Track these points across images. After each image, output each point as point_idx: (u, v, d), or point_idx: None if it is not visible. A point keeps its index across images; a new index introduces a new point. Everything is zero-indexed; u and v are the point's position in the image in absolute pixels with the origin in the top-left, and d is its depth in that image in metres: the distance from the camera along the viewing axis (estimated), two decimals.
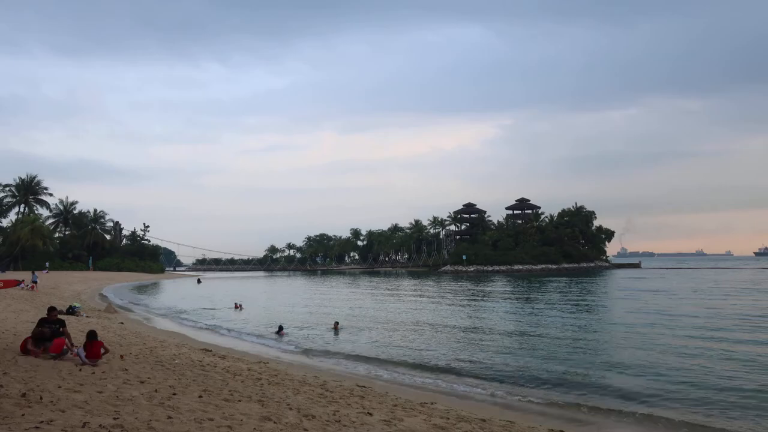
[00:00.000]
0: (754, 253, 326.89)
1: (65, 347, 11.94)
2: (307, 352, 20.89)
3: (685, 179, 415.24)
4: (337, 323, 26.97)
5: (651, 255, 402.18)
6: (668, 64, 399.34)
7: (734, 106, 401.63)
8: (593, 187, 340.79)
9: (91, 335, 12.09)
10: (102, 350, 11.89)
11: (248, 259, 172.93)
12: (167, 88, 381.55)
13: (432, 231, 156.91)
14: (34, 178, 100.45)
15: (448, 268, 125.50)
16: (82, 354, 11.48)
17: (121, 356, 13.34)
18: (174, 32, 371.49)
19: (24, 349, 11.88)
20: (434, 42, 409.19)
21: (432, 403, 11.68)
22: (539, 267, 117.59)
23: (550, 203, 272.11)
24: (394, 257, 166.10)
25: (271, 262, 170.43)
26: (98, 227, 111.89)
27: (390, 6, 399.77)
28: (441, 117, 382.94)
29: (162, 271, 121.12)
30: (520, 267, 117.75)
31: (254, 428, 7.58)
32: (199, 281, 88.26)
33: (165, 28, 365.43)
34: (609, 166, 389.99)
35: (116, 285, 69.13)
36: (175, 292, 63.70)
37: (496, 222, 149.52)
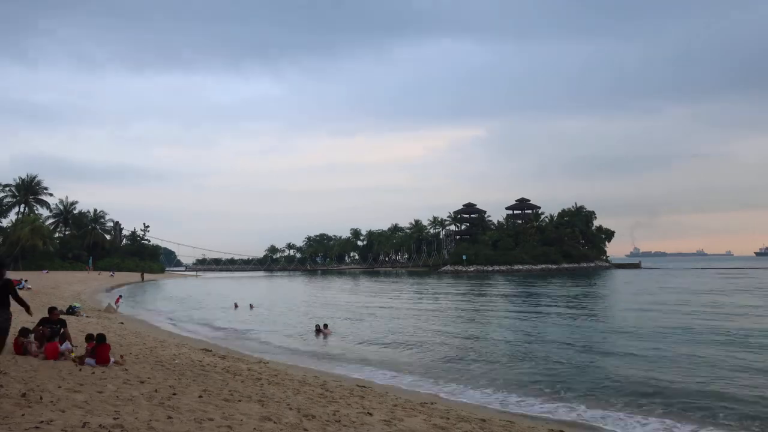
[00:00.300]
0: (755, 253, 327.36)
1: (61, 349, 11.88)
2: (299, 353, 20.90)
3: (686, 180, 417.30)
4: (326, 325, 25.92)
5: (663, 255, 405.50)
6: (667, 69, 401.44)
7: (735, 108, 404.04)
8: (595, 188, 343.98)
9: (100, 338, 12.02)
10: (112, 358, 11.68)
11: (248, 259, 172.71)
12: (169, 92, 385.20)
13: (432, 231, 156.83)
14: (34, 178, 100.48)
15: (448, 268, 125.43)
16: (92, 362, 11.39)
17: (121, 356, 13.33)
18: (178, 42, 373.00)
19: (19, 349, 11.82)
20: (431, 53, 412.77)
21: (432, 403, 11.68)
22: (539, 267, 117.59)
23: (551, 204, 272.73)
24: (394, 257, 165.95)
25: (271, 262, 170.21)
26: (98, 227, 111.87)
27: (390, 20, 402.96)
28: (437, 120, 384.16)
29: (162, 271, 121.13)
30: (520, 267, 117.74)
31: (254, 428, 7.58)
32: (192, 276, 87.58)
33: (167, 38, 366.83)
34: (610, 169, 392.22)
35: (115, 285, 69.11)
36: (176, 291, 63.70)
37: (496, 222, 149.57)
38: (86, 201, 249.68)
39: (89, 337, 12.59)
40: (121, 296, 42.06)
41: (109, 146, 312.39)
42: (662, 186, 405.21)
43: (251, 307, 38.71)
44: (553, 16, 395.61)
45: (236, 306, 39.07)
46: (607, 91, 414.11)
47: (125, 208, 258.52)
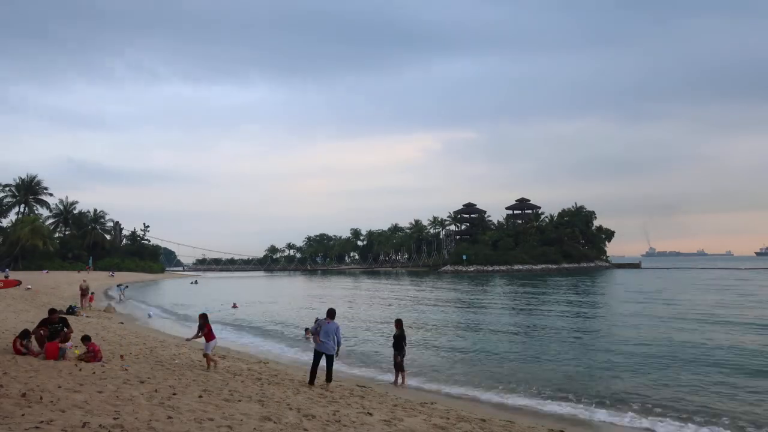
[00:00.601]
0: (755, 253, 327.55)
1: (62, 348, 11.92)
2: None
3: (688, 182, 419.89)
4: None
5: (677, 254, 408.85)
6: (669, 74, 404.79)
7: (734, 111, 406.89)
8: (607, 190, 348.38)
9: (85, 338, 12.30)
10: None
11: (248, 259, 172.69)
12: (169, 98, 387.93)
13: (432, 231, 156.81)
14: (34, 178, 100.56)
15: (448, 268, 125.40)
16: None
17: (121, 356, 13.34)
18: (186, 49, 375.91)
19: (18, 350, 11.83)
20: (429, 62, 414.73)
21: (432, 403, 11.67)
22: (539, 267, 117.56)
23: (552, 205, 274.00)
24: (394, 257, 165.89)
25: (271, 262, 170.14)
26: (98, 227, 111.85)
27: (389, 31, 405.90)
28: (437, 123, 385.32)
29: (162, 271, 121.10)
30: (520, 267, 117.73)
31: (254, 428, 7.58)
32: (195, 282, 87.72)
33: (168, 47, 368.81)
34: (621, 170, 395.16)
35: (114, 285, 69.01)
36: (176, 292, 63.69)
37: (496, 222, 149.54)
38: (110, 202, 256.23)
39: (86, 338, 12.72)
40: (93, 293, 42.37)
41: (110, 149, 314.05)
42: (669, 187, 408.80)
43: (235, 306, 39.00)
44: (556, 28, 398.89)
45: (234, 306, 39.26)
46: (611, 96, 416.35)
47: (125, 209, 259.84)
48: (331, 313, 12.52)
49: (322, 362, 12.32)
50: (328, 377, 12.33)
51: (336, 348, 12.18)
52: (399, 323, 15.10)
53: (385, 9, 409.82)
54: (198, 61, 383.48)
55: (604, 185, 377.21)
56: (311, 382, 12.22)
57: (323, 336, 12.09)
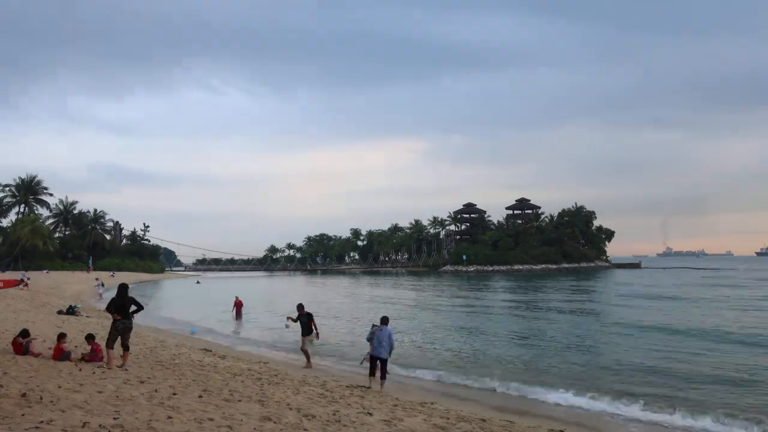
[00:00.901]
0: (756, 252, 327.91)
1: (64, 350, 11.95)
2: None
3: (688, 182, 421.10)
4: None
5: (694, 255, 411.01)
6: (668, 80, 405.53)
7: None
8: (600, 190, 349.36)
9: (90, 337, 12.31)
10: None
11: (248, 259, 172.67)
12: (169, 102, 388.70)
13: (432, 231, 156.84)
14: (34, 178, 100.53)
15: (448, 268, 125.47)
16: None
17: (122, 356, 13.33)
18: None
19: (20, 349, 11.84)
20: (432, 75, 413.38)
21: (432, 403, 11.68)
22: (539, 267, 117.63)
23: (552, 205, 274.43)
24: (394, 257, 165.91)
25: (271, 262, 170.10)
26: (98, 227, 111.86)
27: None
28: (438, 124, 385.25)
29: (162, 271, 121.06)
30: (520, 267, 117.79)
31: (254, 428, 7.58)
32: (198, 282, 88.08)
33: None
34: (613, 171, 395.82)
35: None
36: (176, 292, 63.68)
37: (496, 222, 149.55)
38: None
39: (90, 337, 12.79)
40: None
41: (113, 150, 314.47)
42: (670, 187, 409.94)
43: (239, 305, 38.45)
44: (556, 38, 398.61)
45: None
46: (612, 98, 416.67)
47: (126, 210, 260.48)
48: (384, 320, 13.57)
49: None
50: (382, 376, 13.30)
51: (388, 352, 13.21)
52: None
53: (384, 16, 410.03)
54: (199, 63, 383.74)
55: (604, 185, 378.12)
56: (371, 374, 13.35)
57: (376, 342, 13.12)
